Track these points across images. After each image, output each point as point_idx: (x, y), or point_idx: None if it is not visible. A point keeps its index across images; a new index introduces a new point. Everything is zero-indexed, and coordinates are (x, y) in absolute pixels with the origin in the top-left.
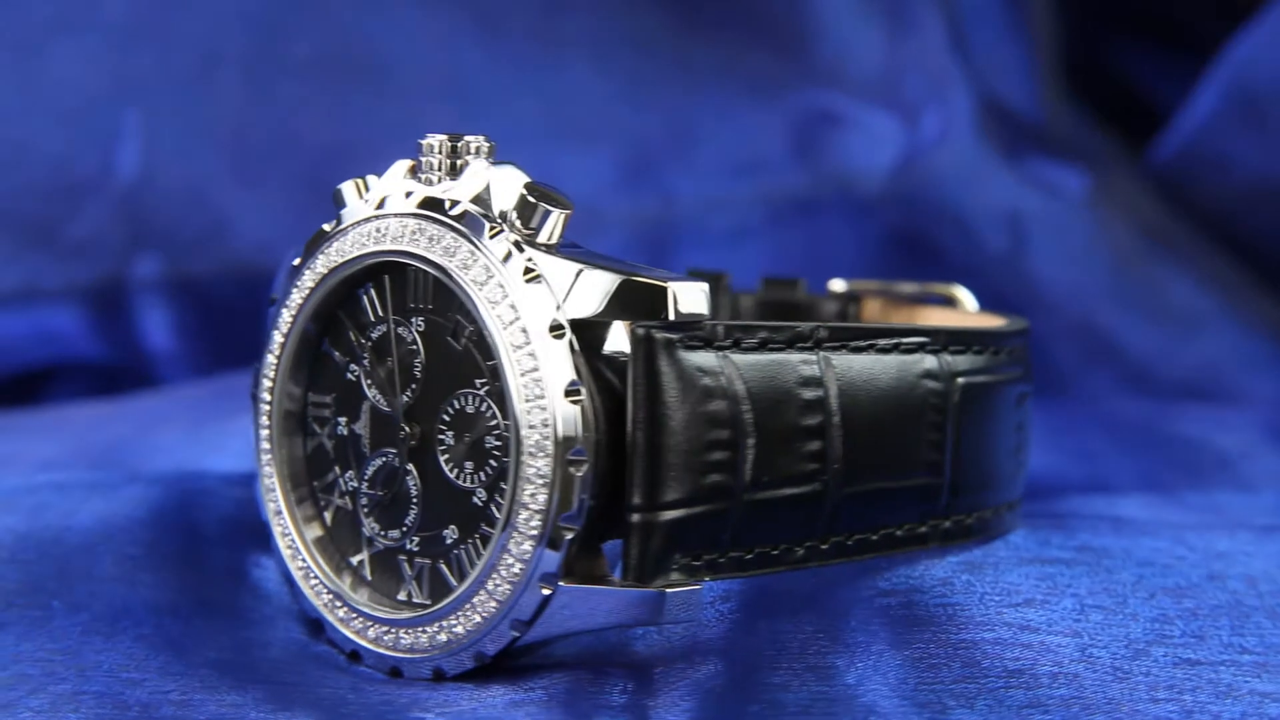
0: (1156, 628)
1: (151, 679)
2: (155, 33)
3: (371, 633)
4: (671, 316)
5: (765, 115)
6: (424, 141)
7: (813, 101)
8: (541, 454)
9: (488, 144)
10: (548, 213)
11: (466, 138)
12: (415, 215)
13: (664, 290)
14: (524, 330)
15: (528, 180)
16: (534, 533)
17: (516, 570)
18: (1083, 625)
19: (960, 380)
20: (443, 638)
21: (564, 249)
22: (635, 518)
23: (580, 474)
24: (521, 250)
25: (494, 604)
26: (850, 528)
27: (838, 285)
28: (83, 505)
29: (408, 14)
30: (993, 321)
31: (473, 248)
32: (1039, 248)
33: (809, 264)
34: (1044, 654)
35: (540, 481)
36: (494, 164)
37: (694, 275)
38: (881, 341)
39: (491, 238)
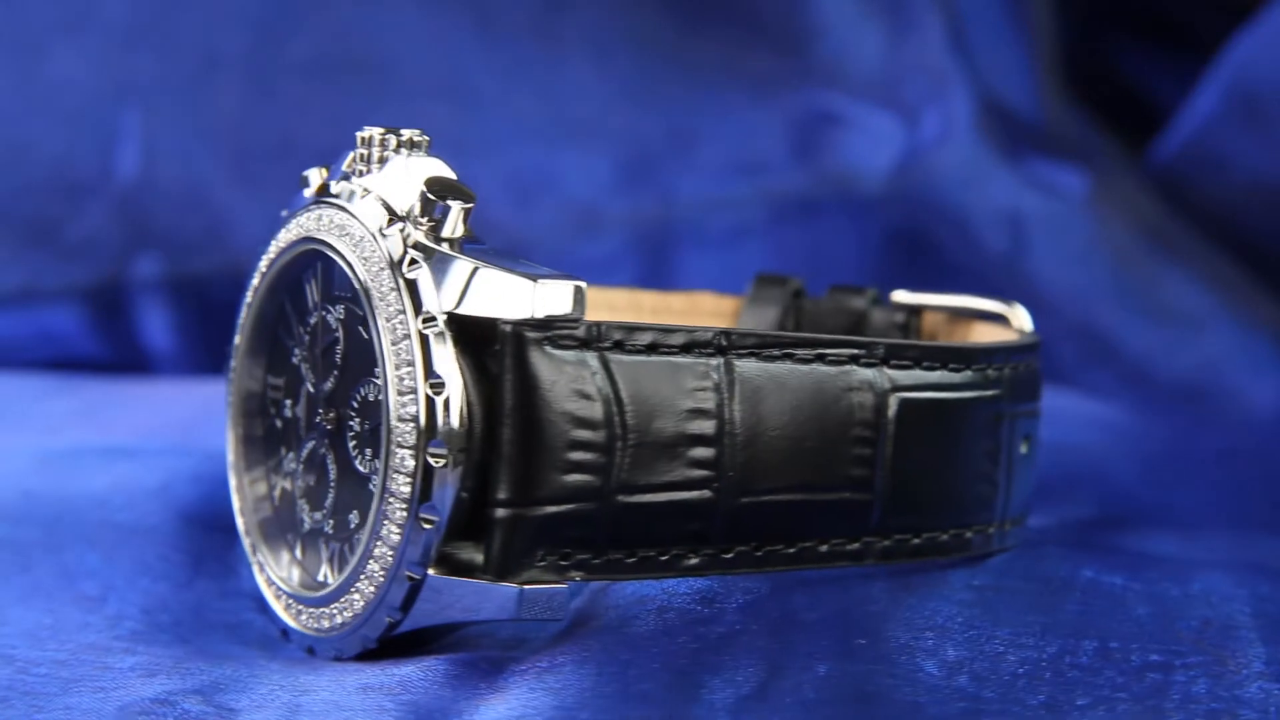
0: (1049, 664)
1: (57, 638)
2: (155, 33)
3: (293, 610)
4: (533, 314)
5: (765, 115)
6: (359, 134)
7: (813, 101)
8: (408, 445)
9: (418, 138)
10: (446, 207)
11: (404, 131)
12: (335, 205)
13: (527, 287)
14: (403, 323)
15: (431, 175)
16: (401, 522)
17: (389, 559)
18: (969, 655)
19: (900, 395)
20: (339, 620)
21: (466, 245)
22: (496, 512)
23: (439, 466)
24: (414, 244)
25: (372, 590)
26: (758, 539)
27: (902, 296)
28: (107, 471)
29: (407, 14)
30: (1004, 336)
31: (372, 240)
32: (1039, 248)
33: (809, 264)
34: (904, 681)
35: (406, 472)
36: (414, 157)
37: (763, 280)
38: (801, 351)
39: (386, 230)
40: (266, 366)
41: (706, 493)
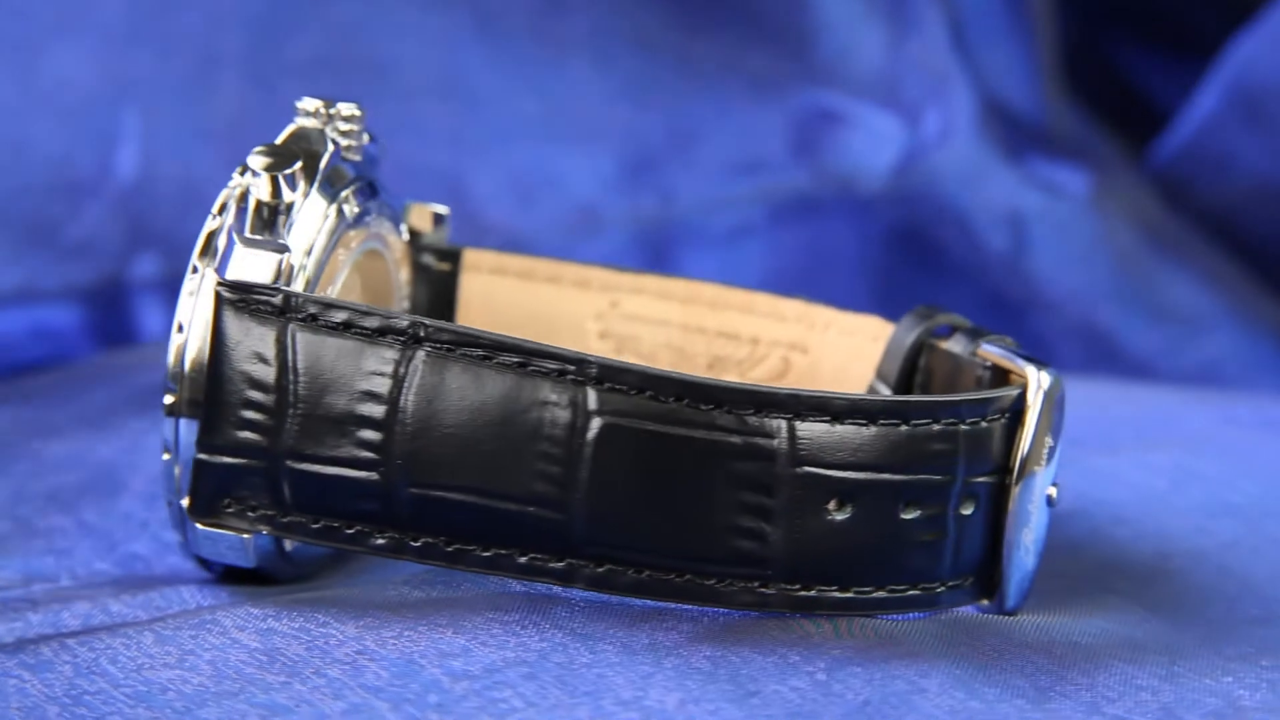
0: None
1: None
2: (155, 33)
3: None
4: (229, 276)
5: (765, 115)
6: (298, 104)
7: (813, 101)
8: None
9: (353, 111)
10: (266, 175)
11: (341, 105)
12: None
13: (235, 252)
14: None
15: (270, 143)
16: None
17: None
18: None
19: (607, 420)
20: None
21: (275, 210)
22: (195, 455)
23: (168, 404)
24: (222, 206)
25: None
26: (445, 534)
27: (986, 351)
28: None
29: (407, 14)
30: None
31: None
32: (1040, 247)
33: (810, 264)
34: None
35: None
36: (300, 127)
37: (917, 311)
38: (505, 356)
39: (230, 190)
40: None
41: (373, 475)
